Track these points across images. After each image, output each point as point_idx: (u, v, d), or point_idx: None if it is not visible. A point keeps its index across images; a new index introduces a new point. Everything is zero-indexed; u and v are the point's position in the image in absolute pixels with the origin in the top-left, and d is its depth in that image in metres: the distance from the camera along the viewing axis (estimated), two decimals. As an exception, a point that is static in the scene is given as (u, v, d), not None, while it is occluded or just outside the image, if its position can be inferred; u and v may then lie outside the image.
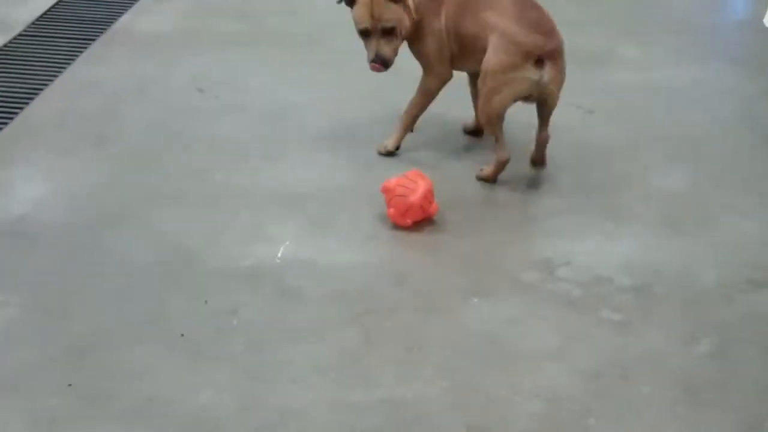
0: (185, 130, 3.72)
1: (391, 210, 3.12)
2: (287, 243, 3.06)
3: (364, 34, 3.28)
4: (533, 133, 3.39)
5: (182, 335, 2.68)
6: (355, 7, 3.27)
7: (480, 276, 2.93)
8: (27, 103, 3.90)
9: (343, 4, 3.32)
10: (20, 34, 4.50)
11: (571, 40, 4.47)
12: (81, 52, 4.33)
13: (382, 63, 3.27)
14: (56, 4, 4.81)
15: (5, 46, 4.38)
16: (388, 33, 3.26)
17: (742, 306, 2.82)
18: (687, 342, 2.66)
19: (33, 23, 4.61)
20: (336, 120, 3.78)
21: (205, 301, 2.80)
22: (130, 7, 4.78)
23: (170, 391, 2.49)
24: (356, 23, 3.28)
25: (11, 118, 3.78)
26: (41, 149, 3.60)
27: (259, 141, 3.65)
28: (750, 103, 4.04)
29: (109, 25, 4.59)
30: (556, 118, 3.81)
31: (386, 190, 3.15)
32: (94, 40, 4.45)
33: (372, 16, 3.23)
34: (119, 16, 4.67)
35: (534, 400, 2.46)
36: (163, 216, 3.19)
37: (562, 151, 3.60)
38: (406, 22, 3.28)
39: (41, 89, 4.01)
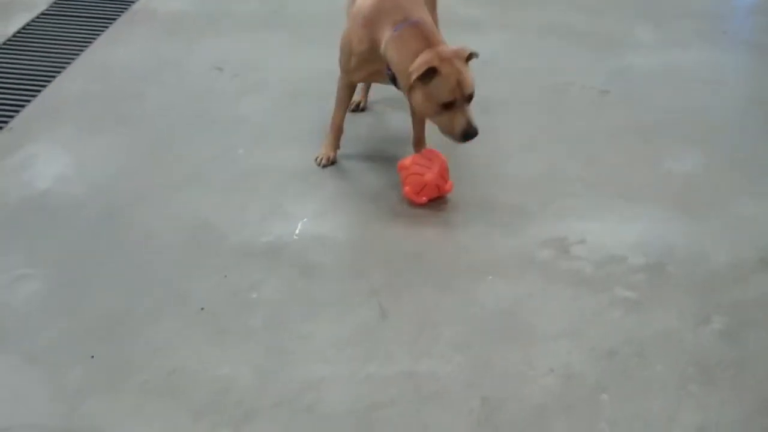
0: (205, 109, 3.72)
1: (407, 188, 3.12)
2: (305, 220, 3.06)
3: (449, 106, 2.91)
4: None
5: (202, 309, 2.68)
6: (439, 79, 2.88)
7: (494, 253, 2.93)
8: (49, 82, 3.90)
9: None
10: (43, 13, 4.50)
11: (587, 24, 4.50)
12: (102, 31, 4.33)
13: (474, 135, 2.93)
14: (78, -16, 4.81)
15: (28, 24, 4.39)
16: (469, 99, 2.94)
17: (754, 286, 2.81)
18: (700, 321, 2.66)
19: (55, 3, 4.61)
20: (355, 100, 3.77)
21: (225, 276, 2.81)
22: (151, -13, 4.78)
23: (191, 364, 2.50)
24: (440, 96, 2.89)
25: (34, 96, 3.79)
26: (63, 127, 3.60)
27: (278, 121, 3.64)
28: (764, 86, 4.01)
29: (130, 5, 4.59)
30: (570, 99, 3.81)
31: (402, 168, 3.14)
32: (115, 19, 4.44)
33: (460, 85, 2.88)
34: (140, -4, 4.68)
35: (548, 375, 2.46)
36: (184, 193, 3.20)
37: (576, 132, 3.59)
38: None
39: (63, 68, 4.01)
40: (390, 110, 3.71)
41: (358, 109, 3.67)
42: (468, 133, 2.92)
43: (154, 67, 4.03)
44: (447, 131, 2.96)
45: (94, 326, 2.63)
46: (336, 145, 3.38)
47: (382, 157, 3.39)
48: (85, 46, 4.19)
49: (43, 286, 2.77)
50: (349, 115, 3.56)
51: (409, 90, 2.96)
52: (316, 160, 3.34)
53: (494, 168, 3.36)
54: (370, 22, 3.05)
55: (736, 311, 2.70)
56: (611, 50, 4.25)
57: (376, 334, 2.61)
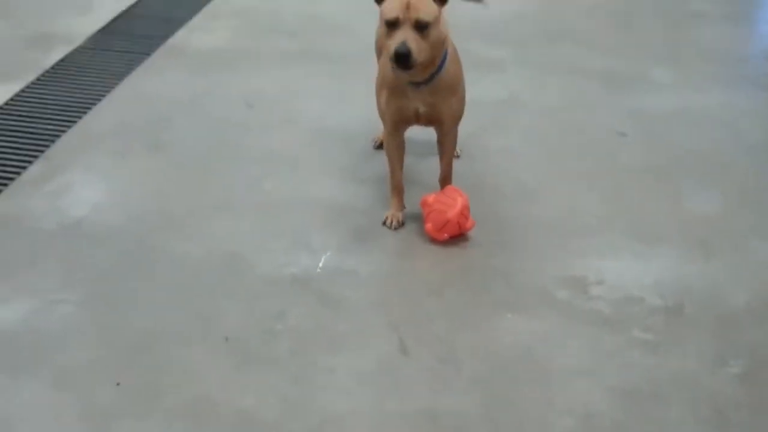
0: (236, 142, 3.72)
1: (429, 224, 3.09)
2: (328, 254, 3.04)
3: (392, 25, 2.78)
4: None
5: (227, 339, 2.66)
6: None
7: (514, 291, 2.89)
8: (85, 112, 3.91)
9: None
10: (81, 46, 4.52)
11: (606, 64, 4.48)
12: (138, 64, 4.35)
13: (405, 57, 2.73)
14: (115, 19, 4.84)
15: (66, 57, 4.41)
16: (421, 29, 2.78)
17: (771, 329, 2.76)
18: (717, 363, 2.60)
19: (93, 36, 4.64)
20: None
21: (250, 307, 2.78)
22: (186, 23, 4.80)
23: (216, 392, 2.47)
24: (385, 13, 2.80)
25: (71, 126, 3.80)
26: (99, 156, 3.61)
27: (306, 155, 3.63)
28: (779, 129, 3.97)
29: (165, 41, 4.60)
30: (589, 138, 3.78)
31: (425, 205, 3.12)
32: (150, 54, 4.46)
33: (407, 7, 2.76)
34: (175, 32, 4.69)
35: (566, 415, 2.41)
36: (214, 223, 3.18)
37: (595, 171, 3.55)
38: (442, 30, 2.85)
39: (99, 99, 4.02)
40: (416, 149, 3.69)
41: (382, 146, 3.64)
42: (399, 57, 2.74)
43: (187, 100, 4.03)
44: (388, 50, 2.80)
45: (123, 351, 2.61)
46: (401, 206, 3.21)
47: (405, 193, 3.37)
48: (121, 79, 4.20)
49: (76, 310, 2.76)
50: (376, 153, 3.54)
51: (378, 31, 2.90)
52: (384, 223, 3.18)
53: (514, 206, 3.33)
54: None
55: (754, 353, 2.64)
56: (629, 91, 4.22)
57: (397, 368, 2.57)
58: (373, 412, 2.41)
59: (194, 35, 4.67)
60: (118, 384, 2.48)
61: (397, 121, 3.10)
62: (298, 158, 3.60)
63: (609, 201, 3.37)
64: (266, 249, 3.05)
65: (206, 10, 4.97)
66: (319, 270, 2.96)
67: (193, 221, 3.19)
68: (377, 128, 3.55)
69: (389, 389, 2.49)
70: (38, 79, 4.17)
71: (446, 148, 3.19)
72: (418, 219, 3.19)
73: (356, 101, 4.00)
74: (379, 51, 3.27)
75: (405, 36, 2.75)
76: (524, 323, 2.74)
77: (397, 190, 3.23)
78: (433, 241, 3.10)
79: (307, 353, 2.61)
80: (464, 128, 3.43)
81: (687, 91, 4.25)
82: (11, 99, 3.99)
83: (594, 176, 3.52)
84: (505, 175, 3.50)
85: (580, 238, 3.16)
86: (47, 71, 4.25)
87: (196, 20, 4.84)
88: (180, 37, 4.65)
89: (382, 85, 3.07)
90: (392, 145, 3.18)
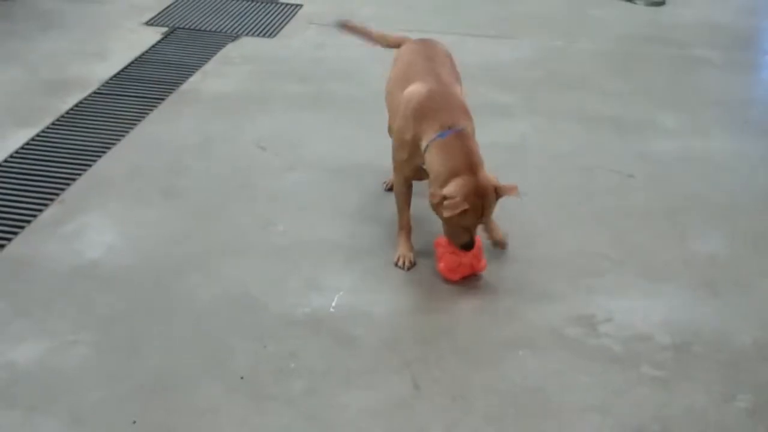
0: (248, 185, 3.80)
1: (442, 264, 3.16)
2: (341, 293, 3.10)
3: (464, 227, 3.05)
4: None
5: (242, 378, 2.71)
6: (466, 214, 2.98)
7: (525, 329, 2.95)
8: (100, 156, 3.99)
9: None
10: (95, 92, 4.62)
11: (613, 109, 4.57)
12: (151, 110, 4.44)
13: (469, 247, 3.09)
14: (129, 65, 4.95)
15: (81, 102, 4.50)
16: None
17: (779, 367, 2.81)
18: (726, 399, 2.66)
19: (108, 82, 4.74)
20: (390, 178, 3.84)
21: (265, 346, 2.85)
22: (198, 69, 4.90)
23: (231, 430, 2.52)
24: (462, 223, 3.02)
25: (85, 170, 3.88)
26: (113, 199, 3.68)
27: (317, 196, 3.71)
28: (785, 172, 4.05)
29: (178, 86, 4.70)
30: (597, 181, 3.86)
31: (438, 245, 3.19)
32: (163, 99, 4.56)
33: (480, 216, 3.03)
34: (188, 78, 4.79)
35: (577, 450, 2.47)
36: (227, 264, 3.25)
37: (603, 213, 3.63)
38: None
39: (114, 144, 4.11)
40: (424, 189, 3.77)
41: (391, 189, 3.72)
42: (464, 246, 3.08)
43: (199, 144, 4.12)
44: (451, 238, 3.10)
45: (139, 391, 2.67)
46: (410, 246, 3.30)
47: (416, 233, 3.44)
48: (135, 124, 4.29)
49: (91, 351, 2.82)
50: (386, 194, 3.62)
51: (436, 203, 3.04)
52: (396, 264, 3.26)
53: (524, 247, 3.39)
54: (419, 115, 3.11)
55: (761, 389, 2.70)
56: (636, 136, 4.30)
57: (410, 406, 2.62)
58: (387, 448, 2.47)
59: (207, 81, 4.78)
60: (134, 422, 2.54)
61: (411, 177, 3.28)
62: (309, 200, 3.68)
63: (617, 241, 3.44)
64: (279, 289, 3.12)
65: (218, 57, 5.09)
66: (332, 310, 3.02)
67: (206, 263, 3.26)
68: (386, 170, 3.63)
69: (402, 426, 2.54)
70: (54, 124, 4.27)
71: None
72: (430, 257, 3.26)
73: (365, 144, 4.09)
74: (391, 99, 3.40)
75: (474, 234, 3.08)
76: (535, 361, 2.80)
77: (406, 230, 3.32)
78: (446, 280, 3.17)
79: (320, 391, 2.67)
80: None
81: (692, 136, 4.34)
82: (27, 143, 4.09)
83: (602, 218, 3.60)
84: (516, 216, 3.57)
85: (589, 277, 3.22)
86: (63, 116, 4.35)
87: (209, 66, 4.95)
88: (193, 82, 4.75)
89: (403, 145, 3.18)
90: (403, 189, 3.30)
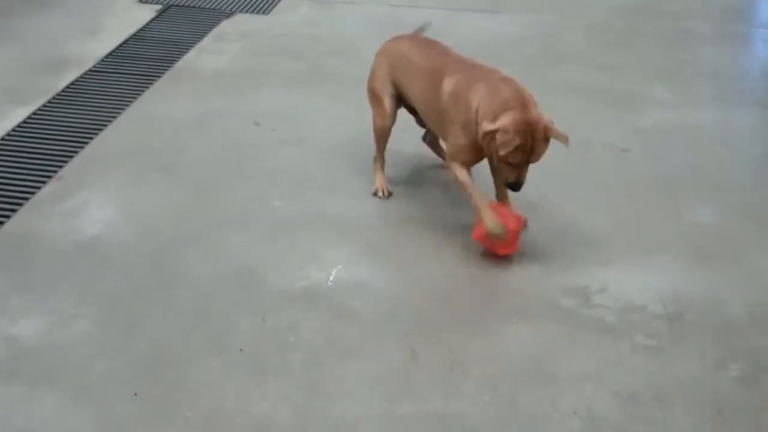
0: (246, 161, 3.81)
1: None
2: (339, 267, 3.13)
3: (514, 165, 3.01)
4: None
5: (241, 350, 2.74)
6: (516, 150, 2.95)
7: (520, 300, 2.98)
8: (97, 133, 4.01)
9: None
10: (91, 70, 4.62)
11: (607, 83, 4.58)
12: (147, 87, 4.44)
13: (519, 188, 3.08)
14: (124, 42, 4.94)
15: (77, 80, 4.51)
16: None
17: (770, 334, 2.85)
18: (718, 367, 2.69)
19: (103, 60, 4.74)
20: (386, 154, 3.86)
21: (263, 319, 2.87)
22: (193, 46, 4.90)
23: (232, 402, 2.55)
24: (509, 158, 2.97)
25: (83, 147, 3.89)
26: (111, 176, 3.70)
27: (315, 172, 3.72)
28: (776, 144, 4.07)
29: (173, 63, 4.71)
30: (591, 155, 3.88)
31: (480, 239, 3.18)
32: (159, 76, 4.56)
33: (529, 155, 2.99)
34: (183, 55, 4.79)
35: (572, 418, 2.50)
36: (225, 239, 3.28)
37: (597, 186, 3.65)
38: None
39: (110, 121, 4.12)
40: (426, 167, 3.79)
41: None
42: (512, 187, 3.09)
43: (196, 121, 4.13)
44: (499, 175, 3.15)
45: (140, 364, 2.70)
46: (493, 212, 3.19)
47: (412, 210, 3.46)
48: (131, 101, 4.30)
49: (92, 325, 2.85)
50: (387, 173, 3.64)
51: (483, 137, 3.01)
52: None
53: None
54: (463, 93, 3.11)
55: (752, 358, 2.73)
56: (631, 109, 4.32)
57: (407, 375, 2.66)
58: (385, 416, 2.50)
59: (202, 58, 4.78)
60: (135, 394, 2.57)
61: (472, 162, 3.23)
62: (306, 175, 3.70)
63: (611, 213, 3.47)
64: (277, 263, 3.14)
65: (213, 33, 5.08)
66: (330, 283, 3.05)
67: (204, 238, 3.28)
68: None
69: (400, 395, 2.58)
70: (51, 102, 4.28)
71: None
72: (426, 232, 3.28)
73: (361, 118, 4.08)
74: (374, 94, 3.49)
75: (524, 173, 3.04)
76: (530, 331, 2.83)
77: (487, 204, 3.18)
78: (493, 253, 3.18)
79: (319, 363, 2.70)
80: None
81: (686, 109, 4.35)
82: (24, 121, 4.10)
83: (596, 190, 3.62)
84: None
85: (583, 248, 3.25)
86: (59, 94, 4.36)
87: (204, 43, 4.95)
88: (188, 59, 4.75)
89: (462, 129, 3.13)
90: (467, 174, 3.21)
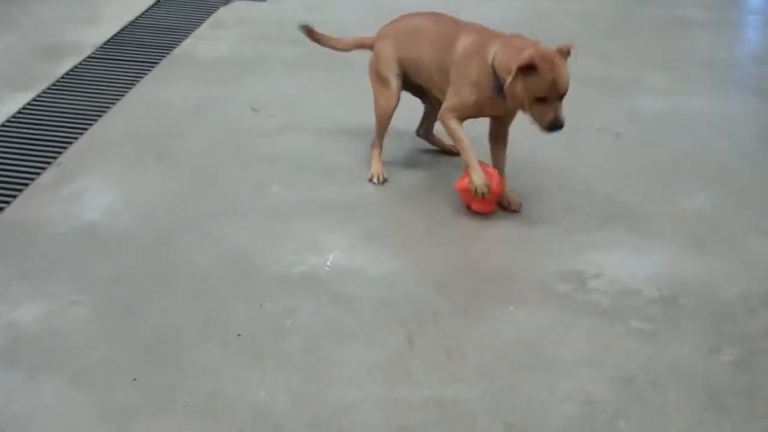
0: (244, 146, 3.78)
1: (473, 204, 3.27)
2: (336, 252, 3.10)
3: (542, 100, 3.03)
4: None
5: (239, 336, 2.72)
6: (537, 76, 2.99)
7: (515, 286, 2.96)
8: (96, 120, 3.97)
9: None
10: (90, 56, 4.58)
11: (601, 69, 4.54)
12: (146, 74, 4.41)
13: (561, 127, 3.07)
14: (123, 29, 4.90)
15: (76, 66, 4.47)
16: (561, 96, 3.05)
17: (764, 319, 2.82)
18: (712, 351, 2.67)
19: (102, 46, 4.69)
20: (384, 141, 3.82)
21: (261, 305, 2.84)
22: (191, 33, 4.86)
23: (231, 388, 2.53)
24: (536, 91, 3.01)
25: (81, 133, 3.86)
26: (109, 162, 3.67)
27: (313, 158, 3.69)
28: (770, 130, 4.04)
29: (172, 50, 4.67)
30: (586, 141, 3.85)
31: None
32: (157, 63, 4.52)
33: (555, 84, 3.00)
34: (181, 42, 4.75)
35: (568, 402, 2.48)
36: (224, 224, 3.24)
37: (592, 172, 3.62)
38: None
39: (109, 107, 4.08)
40: (422, 154, 3.76)
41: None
42: (554, 125, 3.06)
43: (194, 107, 4.09)
44: (537, 121, 3.09)
45: (139, 350, 2.67)
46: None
47: (411, 195, 3.43)
48: (130, 88, 4.26)
49: (91, 311, 2.82)
50: (384, 159, 3.60)
51: (510, 83, 3.04)
52: (476, 192, 3.24)
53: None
54: (478, 50, 3.19)
55: (746, 342, 2.71)
56: (625, 95, 4.28)
57: (405, 360, 2.63)
58: (382, 401, 2.47)
59: (200, 44, 4.74)
60: (134, 379, 2.54)
61: (470, 117, 3.32)
62: (304, 161, 3.66)
63: (606, 199, 3.44)
64: (275, 249, 3.11)
65: (210, 20, 5.04)
66: (327, 269, 3.02)
67: (202, 224, 3.25)
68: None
69: (397, 380, 2.55)
70: (50, 89, 4.24)
71: (506, 139, 3.38)
72: (421, 217, 3.25)
73: (358, 105, 4.05)
74: (380, 77, 3.51)
75: (560, 108, 3.04)
76: (526, 316, 2.81)
77: (478, 163, 3.26)
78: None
79: (317, 348, 2.67)
80: (468, 132, 3.51)
81: (680, 95, 4.32)
82: (23, 108, 4.06)
83: (591, 176, 3.59)
84: (507, 175, 3.56)
85: (578, 234, 3.22)
86: (58, 81, 4.31)
87: (202, 30, 4.91)
88: (186, 46, 4.71)
89: (471, 85, 3.22)
90: (460, 128, 3.29)
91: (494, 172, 3.28)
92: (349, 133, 3.85)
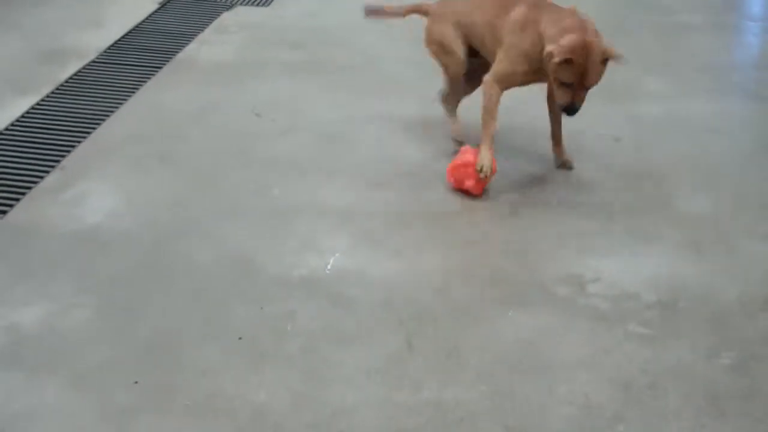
0: (245, 150, 3.77)
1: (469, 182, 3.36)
2: (337, 255, 3.08)
3: (568, 85, 3.17)
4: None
5: (240, 338, 2.70)
6: (568, 67, 3.13)
7: (515, 289, 2.94)
8: (99, 124, 3.96)
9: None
10: (93, 61, 4.57)
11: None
12: (149, 78, 4.40)
13: (574, 112, 3.24)
14: (126, 34, 4.90)
15: (80, 71, 4.46)
16: (587, 88, 3.22)
17: (762, 322, 2.80)
18: (710, 355, 2.65)
19: (105, 51, 4.69)
20: (384, 142, 3.81)
21: (261, 308, 2.83)
22: (194, 38, 4.86)
23: (230, 389, 2.51)
24: (563, 77, 3.15)
25: (85, 137, 3.85)
26: (112, 165, 3.66)
27: (313, 161, 3.68)
28: (768, 134, 4.03)
29: (175, 54, 4.66)
30: (584, 144, 3.84)
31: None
32: (160, 67, 4.51)
33: (582, 77, 3.15)
34: (184, 46, 4.74)
35: (567, 405, 2.46)
36: (225, 227, 3.23)
37: (591, 176, 3.61)
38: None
39: (112, 111, 4.07)
40: (424, 154, 3.75)
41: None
42: (567, 110, 3.23)
43: (196, 111, 4.09)
44: (556, 97, 3.25)
45: (140, 352, 2.66)
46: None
47: (410, 198, 3.42)
48: (133, 92, 4.25)
49: (93, 313, 2.81)
50: (379, 157, 3.58)
51: (545, 58, 3.17)
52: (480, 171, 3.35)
53: (514, 208, 3.37)
54: (532, 21, 3.29)
55: (745, 346, 2.69)
56: (623, 99, 4.27)
57: (405, 363, 2.62)
58: (382, 404, 2.46)
59: (203, 49, 4.73)
60: (135, 382, 2.53)
61: (512, 86, 3.47)
62: (304, 164, 3.65)
63: (604, 202, 3.42)
64: (276, 252, 3.10)
65: (214, 25, 5.03)
66: (327, 271, 3.00)
67: (204, 226, 3.24)
68: (378, 135, 3.61)
69: (397, 382, 2.54)
70: (53, 93, 4.23)
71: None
72: (422, 221, 3.24)
73: (360, 109, 4.07)
74: (443, 46, 3.64)
75: (579, 96, 3.21)
76: (525, 319, 2.79)
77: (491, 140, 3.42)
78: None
79: (317, 350, 2.66)
80: (466, 137, 3.51)
81: (678, 99, 4.31)
82: (28, 111, 4.05)
83: (590, 179, 3.58)
84: (504, 179, 3.55)
85: (577, 238, 3.21)
86: (62, 85, 4.31)
87: (205, 34, 4.90)
88: (189, 51, 4.70)
89: (519, 55, 3.33)
90: (497, 101, 3.42)
91: (494, 161, 3.38)
92: (350, 136, 3.85)
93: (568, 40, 3.10)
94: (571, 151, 3.76)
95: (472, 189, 3.35)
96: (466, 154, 3.39)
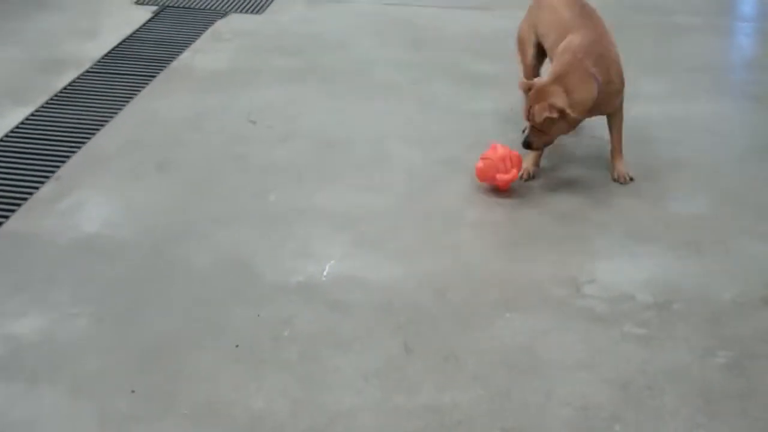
0: (241, 156, 3.79)
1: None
2: (332, 262, 3.11)
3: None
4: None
5: (237, 346, 2.72)
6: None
7: (512, 291, 2.97)
8: (94, 133, 3.98)
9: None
10: (88, 70, 4.59)
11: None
12: (144, 87, 4.41)
13: (528, 146, 3.45)
14: (121, 43, 4.91)
15: (75, 80, 4.48)
16: (533, 126, 3.39)
17: (757, 322, 2.83)
18: (706, 355, 2.68)
19: (100, 60, 4.71)
20: (380, 147, 3.84)
21: (258, 315, 2.85)
22: (188, 46, 4.87)
23: (228, 395, 2.54)
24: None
25: (80, 146, 3.86)
26: (109, 174, 3.68)
27: (310, 167, 3.70)
28: (764, 135, 4.05)
29: (170, 62, 4.67)
30: (580, 146, 3.87)
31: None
32: (156, 75, 4.53)
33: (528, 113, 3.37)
34: (179, 54, 4.76)
35: (565, 407, 2.49)
36: (221, 234, 3.26)
37: (586, 177, 3.63)
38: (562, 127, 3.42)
39: (108, 120, 4.09)
40: (422, 162, 3.77)
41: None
42: (523, 143, 3.45)
43: (192, 119, 4.10)
44: None
45: (138, 359, 2.68)
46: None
47: (407, 202, 3.45)
48: (128, 101, 4.27)
49: (91, 322, 2.83)
50: (376, 163, 3.60)
51: None
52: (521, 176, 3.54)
53: (509, 211, 3.41)
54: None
55: (740, 346, 2.72)
56: (618, 102, 4.29)
57: (402, 367, 2.64)
58: (380, 408, 2.48)
59: (197, 57, 4.75)
60: (133, 391, 2.55)
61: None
62: (300, 170, 3.68)
63: (600, 204, 3.45)
64: (273, 258, 3.12)
65: (208, 33, 5.05)
66: (324, 277, 3.03)
67: (201, 233, 3.26)
68: (376, 139, 3.62)
69: (395, 386, 2.56)
70: (49, 102, 4.25)
71: (616, 117, 3.68)
72: (417, 224, 3.27)
73: (355, 114, 4.09)
74: (519, 43, 3.99)
75: (529, 133, 3.42)
76: (522, 321, 2.82)
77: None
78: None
79: (314, 356, 2.68)
80: (464, 139, 3.54)
81: (675, 100, 4.32)
82: (23, 121, 4.07)
83: (586, 181, 3.60)
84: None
85: (573, 239, 3.24)
86: (57, 94, 4.33)
87: (199, 43, 4.92)
88: (183, 59, 4.72)
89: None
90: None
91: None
92: (345, 142, 3.87)
93: (539, 82, 3.42)
94: (568, 153, 3.79)
95: (501, 184, 3.43)
96: (497, 149, 3.46)
